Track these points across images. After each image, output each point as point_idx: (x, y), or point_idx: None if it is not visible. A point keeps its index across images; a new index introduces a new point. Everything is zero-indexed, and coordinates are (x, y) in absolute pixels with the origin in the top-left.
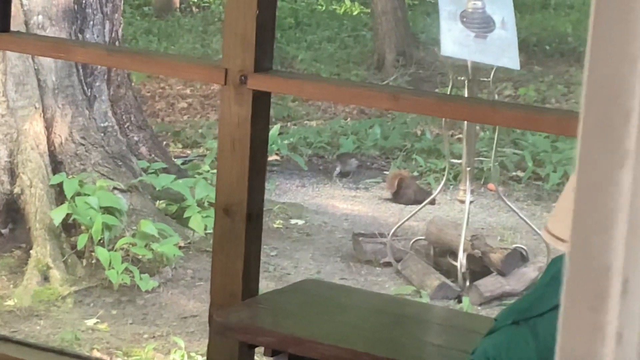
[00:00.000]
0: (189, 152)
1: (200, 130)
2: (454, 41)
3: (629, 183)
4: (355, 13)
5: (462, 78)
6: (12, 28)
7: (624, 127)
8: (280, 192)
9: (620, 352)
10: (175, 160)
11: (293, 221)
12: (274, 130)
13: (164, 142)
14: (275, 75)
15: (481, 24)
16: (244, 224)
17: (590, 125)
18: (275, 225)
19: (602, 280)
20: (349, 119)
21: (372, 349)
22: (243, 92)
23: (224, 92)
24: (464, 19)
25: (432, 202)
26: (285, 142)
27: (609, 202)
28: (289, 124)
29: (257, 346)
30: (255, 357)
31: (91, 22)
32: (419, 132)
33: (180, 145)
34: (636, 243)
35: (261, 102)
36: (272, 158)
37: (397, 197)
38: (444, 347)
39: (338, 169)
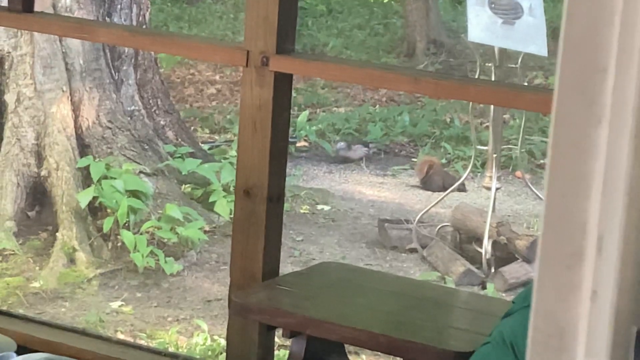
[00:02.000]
0: (216, 137)
1: (228, 116)
2: (481, 27)
3: (604, 139)
4: (386, 0)
5: (490, 64)
6: (40, 10)
7: (601, 83)
8: (308, 178)
9: (595, 309)
10: (202, 145)
11: (319, 207)
12: (303, 116)
13: (192, 128)
14: (298, 57)
15: (509, 10)
16: (264, 206)
17: (566, 82)
18: (301, 211)
19: (577, 238)
20: (377, 106)
21: (390, 331)
22: (265, 73)
23: (246, 74)
24: (492, 5)
25: (462, 189)
26: (314, 128)
27: (585, 159)
28: (317, 110)
29: (275, 327)
30: (275, 339)
31: (119, 6)
32: (447, 120)
33: (207, 131)
34: (611, 200)
35: (283, 84)
36: (300, 144)
37: (426, 183)
38: (464, 330)
39: (340, 150)
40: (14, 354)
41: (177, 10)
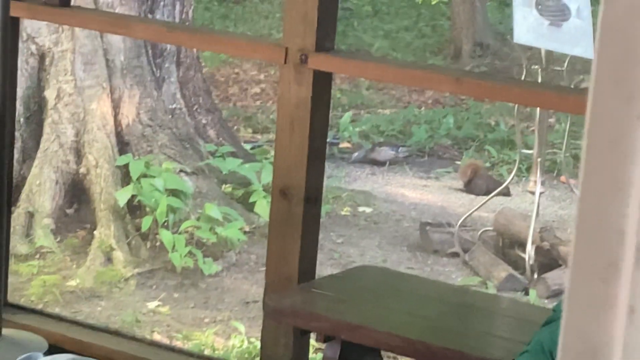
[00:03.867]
0: (259, 137)
1: (271, 116)
2: (527, 29)
3: None
4: (433, 2)
5: (536, 67)
6: (80, 5)
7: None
8: (350, 179)
9: (632, 327)
10: (245, 145)
11: (361, 209)
12: (346, 117)
13: (235, 127)
14: (337, 55)
15: (556, 12)
16: (301, 207)
17: (602, 74)
18: (342, 213)
19: (614, 248)
20: (422, 108)
21: (427, 338)
22: (303, 71)
23: (284, 72)
24: (539, 7)
25: (506, 194)
26: (357, 129)
27: (623, 160)
28: (362, 111)
29: (309, 331)
30: (311, 342)
31: (161, 3)
32: (492, 123)
33: (250, 130)
34: None
35: (322, 82)
36: (343, 145)
37: (469, 187)
38: (504, 338)
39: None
40: (41, 355)
41: (224, 9)
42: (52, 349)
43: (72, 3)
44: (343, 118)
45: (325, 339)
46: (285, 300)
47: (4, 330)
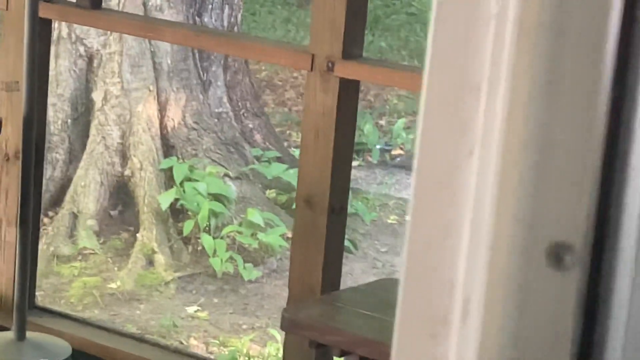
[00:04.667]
0: None
1: None
2: None
3: (474, 176)
4: None
5: None
6: (131, 9)
7: (473, 106)
8: (400, 187)
9: None
10: (294, 150)
11: (408, 218)
12: (399, 123)
13: (288, 132)
14: (364, 63)
15: None
16: (325, 217)
17: (432, 103)
18: (389, 221)
19: (443, 300)
20: None
21: None
22: (330, 79)
23: (310, 79)
24: None
25: None
26: (410, 136)
27: (452, 201)
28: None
29: (326, 345)
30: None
31: (210, 6)
32: None
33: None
34: (478, 252)
35: (349, 90)
36: (395, 152)
37: None
38: None
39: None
40: None
41: (286, 12)
42: (76, 354)
43: (107, 5)
44: (396, 124)
45: (342, 353)
46: (302, 312)
47: (29, 334)
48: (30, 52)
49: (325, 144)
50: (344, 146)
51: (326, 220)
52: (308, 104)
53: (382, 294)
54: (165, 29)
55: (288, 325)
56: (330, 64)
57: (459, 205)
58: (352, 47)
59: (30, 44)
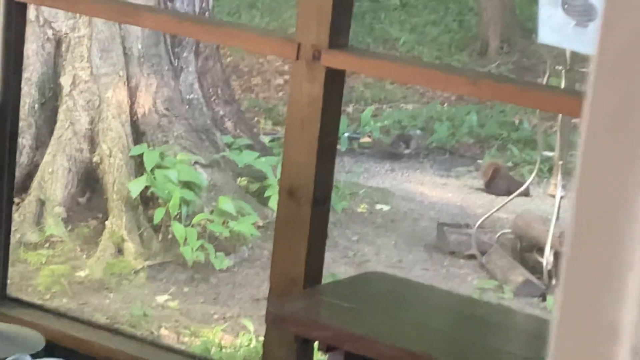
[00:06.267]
0: (279, 129)
1: None
2: (552, 28)
3: None
4: None
5: (560, 67)
6: None
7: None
8: (369, 175)
9: None
10: (264, 137)
11: (378, 206)
12: (368, 111)
13: (255, 119)
14: (351, 53)
15: (583, 12)
16: (309, 208)
17: (596, 129)
18: (359, 210)
19: (605, 347)
20: (446, 104)
21: (434, 352)
22: (316, 68)
23: (296, 68)
24: (566, 6)
25: (526, 195)
26: (379, 124)
27: (617, 235)
28: (384, 106)
29: (311, 340)
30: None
31: None
32: (516, 122)
33: (270, 123)
34: None
35: (334, 80)
36: (363, 140)
37: (490, 187)
38: (517, 355)
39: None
40: (29, 357)
41: None
42: (50, 346)
43: None
44: (365, 112)
45: (328, 348)
46: (287, 307)
47: (0, 325)
48: (5, 37)
49: (311, 135)
50: (329, 137)
51: (310, 211)
52: (293, 93)
53: (367, 287)
54: (146, 15)
55: (273, 319)
56: (316, 53)
57: (625, 240)
58: (338, 37)
59: (5, 28)
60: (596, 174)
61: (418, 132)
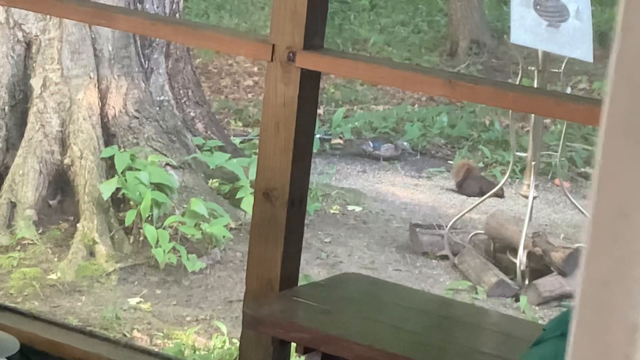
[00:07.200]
0: (249, 130)
1: None
2: (525, 29)
3: None
4: None
5: (533, 68)
6: None
7: None
8: (340, 177)
9: None
10: (235, 138)
11: (350, 207)
12: (339, 113)
13: (225, 120)
14: (326, 54)
15: (555, 13)
16: (285, 210)
17: (616, 127)
18: (331, 211)
19: (622, 346)
20: (416, 105)
21: (411, 353)
22: (291, 70)
23: (270, 70)
24: (538, 7)
25: (500, 196)
26: (349, 125)
27: (636, 232)
28: (355, 107)
29: (289, 342)
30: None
31: None
32: (487, 122)
33: (241, 124)
34: None
35: (310, 82)
36: (334, 141)
37: (462, 187)
38: (490, 355)
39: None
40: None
41: None
42: (24, 349)
43: None
44: (336, 114)
45: (305, 350)
46: (264, 309)
47: None
48: None
49: (286, 136)
50: (304, 138)
51: (285, 213)
52: (268, 95)
53: (343, 289)
54: (119, 17)
55: (250, 322)
56: (291, 55)
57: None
58: (313, 38)
59: None
60: (614, 177)
61: (405, 143)
